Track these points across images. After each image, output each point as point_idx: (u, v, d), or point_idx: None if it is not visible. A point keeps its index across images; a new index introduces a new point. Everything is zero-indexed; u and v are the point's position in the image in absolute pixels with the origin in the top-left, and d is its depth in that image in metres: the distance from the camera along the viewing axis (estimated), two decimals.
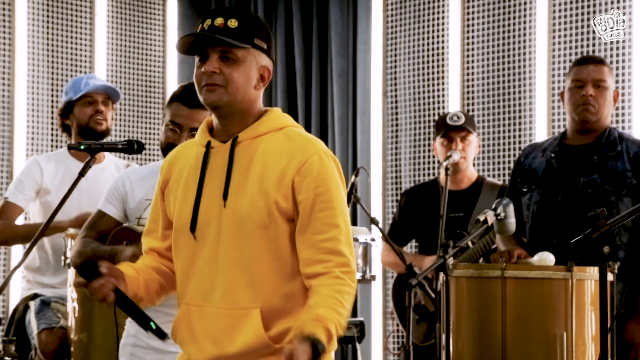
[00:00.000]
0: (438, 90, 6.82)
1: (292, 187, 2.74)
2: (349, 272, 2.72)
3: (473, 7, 6.66)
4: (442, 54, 6.80)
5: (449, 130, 5.26)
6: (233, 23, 2.78)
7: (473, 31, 6.67)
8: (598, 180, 4.23)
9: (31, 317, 4.72)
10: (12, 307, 5.25)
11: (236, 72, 2.78)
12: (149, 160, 7.21)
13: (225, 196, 2.77)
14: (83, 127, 4.93)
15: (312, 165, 2.75)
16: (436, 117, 6.68)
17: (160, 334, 2.80)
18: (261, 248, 2.73)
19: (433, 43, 6.84)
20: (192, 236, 2.80)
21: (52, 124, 6.80)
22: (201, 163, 2.83)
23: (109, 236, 3.73)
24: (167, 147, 3.62)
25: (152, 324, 2.78)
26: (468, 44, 6.69)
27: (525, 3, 6.45)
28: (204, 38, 2.79)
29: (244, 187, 2.75)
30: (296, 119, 7.65)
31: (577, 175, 4.27)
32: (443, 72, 6.80)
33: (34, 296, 4.83)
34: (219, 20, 2.79)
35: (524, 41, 6.46)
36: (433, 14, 6.84)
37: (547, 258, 3.89)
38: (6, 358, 4.44)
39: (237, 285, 2.75)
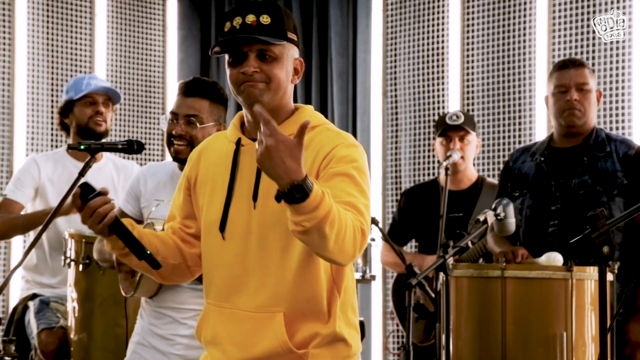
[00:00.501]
0: (438, 90, 6.83)
1: (317, 175, 2.69)
2: (364, 231, 2.58)
3: (473, 7, 6.66)
4: (442, 54, 6.80)
5: (447, 130, 5.26)
6: (266, 19, 2.73)
7: (473, 31, 6.67)
8: (589, 181, 4.24)
9: (31, 317, 4.72)
10: (12, 307, 5.25)
11: (276, 69, 2.74)
12: (149, 160, 7.21)
13: (255, 197, 2.73)
14: (82, 127, 4.92)
15: (339, 151, 2.70)
16: (436, 117, 6.68)
17: (154, 264, 2.81)
18: (289, 250, 2.68)
19: (433, 43, 6.84)
20: (220, 235, 2.77)
21: (52, 123, 6.80)
22: (232, 161, 2.80)
23: None
24: (168, 139, 3.74)
25: (148, 252, 2.79)
26: (468, 44, 6.69)
27: (525, 3, 6.45)
28: (242, 39, 2.72)
29: (275, 188, 2.62)
30: None
31: (568, 177, 4.28)
32: (443, 72, 6.80)
33: (33, 296, 4.83)
34: (251, 18, 2.73)
35: (524, 41, 6.46)
36: (433, 14, 6.84)
37: (555, 258, 3.89)
38: (6, 358, 4.44)
39: (264, 288, 2.72)
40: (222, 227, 2.76)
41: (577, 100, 4.30)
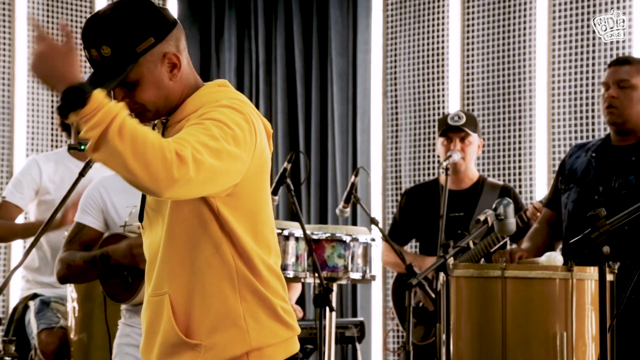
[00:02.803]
0: (438, 90, 6.83)
1: None
2: (180, 154, 2.30)
3: (473, 7, 6.66)
4: (442, 54, 6.80)
5: (448, 130, 5.26)
6: (106, 51, 2.54)
7: (473, 31, 6.67)
8: (634, 181, 4.19)
9: (31, 317, 4.72)
10: (12, 307, 5.24)
11: (141, 92, 2.55)
12: None
13: None
14: None
15: (208, 108, 2.51)
16: (436, 117, 6.69)
17: None
18: (175, 232, 2.57)
19: (433, 43, 6.84)
20: (141, 227, 2.70)
21: (52, 124, 6.80)
22: None
23: (98, 244, 3.72)
24: None
25: None
26: (468, 44, 6.69)
27: (525, 3, 6.45)
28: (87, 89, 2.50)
29: None
30: (296, 119, 7.69)
31: (614, 175, 4.24)
32: (443, 72, 6.80)
33: (34, 296, 4.83)
34: (94, 52, 2.56)
35: (524, 41, 6.46)
36: (433, 14, 6.84)
37: (555, 258, 3.89)
38: (6, 358, 4.44)
39: (159, 270, 2.62)
40: (141, 218, 2.68)
41: (615, 97, 4.25)
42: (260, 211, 2.62)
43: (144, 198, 2.67)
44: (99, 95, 2.28)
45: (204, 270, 2.57)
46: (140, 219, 2.69)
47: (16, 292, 6.21)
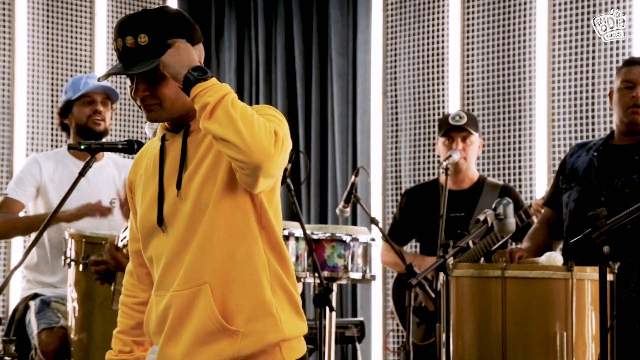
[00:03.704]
0: (438, 90, 6.83)
1: None
2: (277, 132, 2.54)
3: (473, 7, 6.66)
4: (442, 54, 6.80)
5: (450, 130, 5.26)
6: (143, 39, 2.68)
7: (473, 31, 6.67)
8: (637, 180, 4.19)
9: (31, 317, 4.72)
10: (12, 307, 5.24)
11: (165, 88, 2.71)
12: None
13: (178, 185, 2.71)
14: (81, 127, 4.92)
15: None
16: (436, 117, 6.69)
17: None
18: (213, 227, 2.67)
19: (433, 43, 6.84)
20: (160, 230, 2.75)
21: (52, 123, 6.80)
22: (159, 157, 2.79)
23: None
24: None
25: None
26: (468, 44, 6.69)
27: (525, 3, 6.45)
28: (119, 71, 2.71)
29: (197, 172, 2.69)
30: (296, 119, 7.69)
31: (616, 174, 4.23)
32: (443, 72, 6.80)
33: (34, 296, 4.83)
34: (129, 40, 2.68)
35: (524, 41, 6.46)
36: (433, 14, 6.84)
37: (555, 258, 3.89)
38: (6, 358, 4.43)
39: (192, 263, 2.68)
40: (160, 221, 2.74)
41: None
42: (280, 210, 2.79)
43: (160, 204, 2.75)
44: (214, 78, 2.56)
45: (245, 260, 2.69)
46: (160, 222, 2.75)
47: (16, 292, 6.21)
